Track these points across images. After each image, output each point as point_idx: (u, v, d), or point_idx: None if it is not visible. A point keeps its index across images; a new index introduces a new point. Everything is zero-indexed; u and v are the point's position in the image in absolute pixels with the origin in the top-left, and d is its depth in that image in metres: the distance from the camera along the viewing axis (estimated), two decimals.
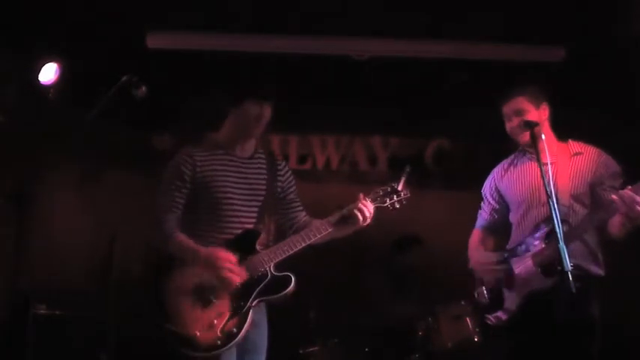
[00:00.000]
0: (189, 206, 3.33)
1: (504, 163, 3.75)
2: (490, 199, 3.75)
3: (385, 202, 3.39)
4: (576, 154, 3.51)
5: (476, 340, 4.63)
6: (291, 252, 3.32)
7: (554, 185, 3.31)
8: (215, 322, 3.16)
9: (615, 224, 3.30)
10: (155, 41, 5.04)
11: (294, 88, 5.47)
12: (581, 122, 4.24)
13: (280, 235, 3.49)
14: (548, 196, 3.02)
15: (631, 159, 3.52)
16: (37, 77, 4.81)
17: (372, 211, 3.33)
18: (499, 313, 3.48)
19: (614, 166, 3.52)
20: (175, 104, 5.56)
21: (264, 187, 3.42)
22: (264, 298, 3.28)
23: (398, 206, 3.41)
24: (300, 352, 4.94)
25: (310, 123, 5.86)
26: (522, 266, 3.41)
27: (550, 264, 3.27)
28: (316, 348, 4.93)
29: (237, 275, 3.20)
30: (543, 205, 3.41)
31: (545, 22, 4.80)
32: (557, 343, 3.30)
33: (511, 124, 3.54)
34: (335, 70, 5.38)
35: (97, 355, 4.40)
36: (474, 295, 3.64)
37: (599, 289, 3.38)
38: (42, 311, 4.74)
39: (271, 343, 5.19)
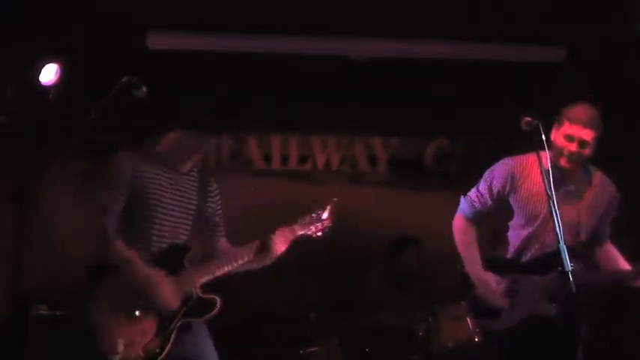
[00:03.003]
0: (123, 212, 3.28)
1: (522, 166, 3.55)
2: (495, 195, 3.58)
3: (310, 229, 3.47)
4: (599, 190, 3.50)
5: (476, 340, 4.63)
6: (218, 274, 3.30)
7: (575, 220, 3.37)
8: (138, 339, 3.10)
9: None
10: (155, 41, 5.04)
11: (294, 88, 5.48)
12: None
13: (207, 252, 3.46)
14: (548, 197, 3.00)
15: (631, 159, 3.53)
16: (38, 78, 4.81)
17: (281, 248, 3.36)
18: (494, 324, 3.48)
19: (617, 198, 3.56)
20: (175, 104, 5.56)
21: (195, 204, 3.40)
22: (189, 319, 3.21)
23: (320, 234, 3.49)
24: (300, 352, 4.94)
25: (310, 123, 5.86)
26: (531, 288, 3.41)
27: (557, 291, 3.28)
28: (316, 348, 4.93)
29: (172, 301, 3.17)
30: (554, 230, 3.36)
31: (545, 22, 4.81)
32: (545, 350, 3.33)
33: (569, 148, 3.38)
34: (335, 70, 5.38)
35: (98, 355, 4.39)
36: (471, 297, 3.62)
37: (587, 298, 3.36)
38: (42, 312, 4.74)
39: (272, 343, 5.22)
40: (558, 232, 2.90)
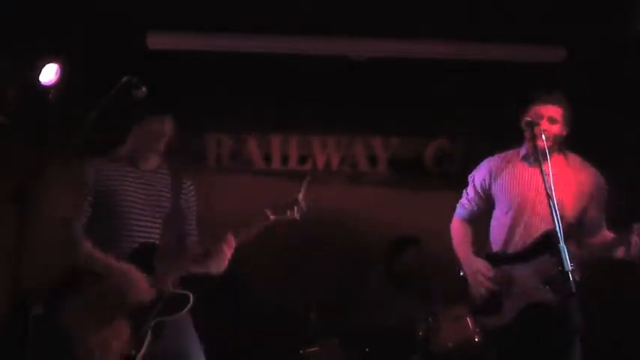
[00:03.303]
0: (92, 216, 3.32)
1: (501, 158, 3.73)
2: (479, 190, 3.74)
3: (286, 213, 3.40)
4: (573, 169, 3.54)
5: (476, 340, 4.63)
6: (191, 271, 3.31)
7: (558, 199, 3.33)
8: (113, 342, 3.11)
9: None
10: (155, 41, 5.04)
11: (294, 88, 5.48)
12: (581, 122, 4.24)
13: (181, 250, 3.46)
14: (549, 197, 3.01)
15: (631, 159, 3.53)
16: (38, 78, 4.81)
17: (228, 255, 3.30)
18: (495, 319, 3.48)
19: (604, 184, 3.58)
20: (175, 105, 5.56)
21: (168, 201, 3.41)
22: (163, 317, 3.22)
23: (298, 217, 3.42)
24: (300, 352, 4.94)
25: (310, 123, 5.86)
26: (524, 276, 3.42)
27: (549, 274, 3.30)
28: (316, 348, 4.93)
29: (147, 295, 3.18)
30: (538, 215, 3.45)
31: (545, 22, 4.80)
32: (541, 352, 3.33)
33: (537, 131, 3.43)
34: (335, 70, 5.38)
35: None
36: (470, 297, 3.64)
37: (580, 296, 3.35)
38: (42, 312, 4.73)
39: (271, 343, 5.22)
40: (558, 231, 2.92)
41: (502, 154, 3.74)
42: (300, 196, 3.41)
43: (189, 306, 3.25)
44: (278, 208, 3.40)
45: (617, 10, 4.57)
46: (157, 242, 3.32)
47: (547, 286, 3.34)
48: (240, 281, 4.95)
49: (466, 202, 3.79)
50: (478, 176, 3.76)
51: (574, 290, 2.84)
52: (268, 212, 3.37)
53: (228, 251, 3.29)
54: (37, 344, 4.64)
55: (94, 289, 3.17)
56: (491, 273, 3.52)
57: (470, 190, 3.78)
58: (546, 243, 3.33)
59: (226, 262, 3.31)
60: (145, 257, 3.27)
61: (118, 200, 3.30)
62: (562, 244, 2.89)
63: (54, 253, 5.39)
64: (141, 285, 3.18)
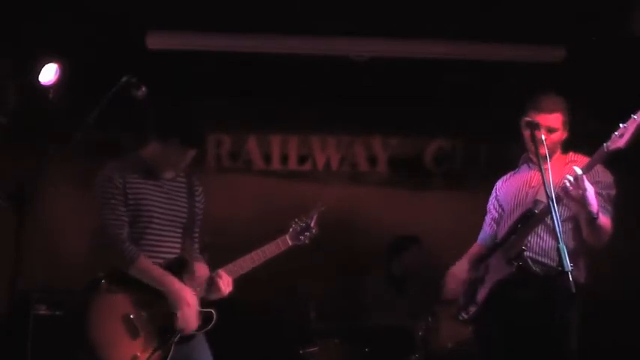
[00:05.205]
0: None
1: (507, 175, 3.76)
2: (492, 210, 3.76)
3: (301, 239, 3.59)
4: (570, 161, 3.51)
5: None
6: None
7: (539, 189, 3.36)
8: (139, 354, 3.14)
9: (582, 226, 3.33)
10: (155, 41, 5.04)
11: (294, 88, 5.48)
12: (581, 122, 4.25)
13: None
14: (549, 197, 3.01)
15: (630, 159, 3.51)
16: (37, 78, 4.81)
17: (229, 285, 3.39)
18: (470, 307, 3.51)
19: (605, 176, 3.47)
20: (175, 105, 5.57)
21: (185, 208, 3.43)
22: (188, 333, 3.27)
23: (307, 242, 3.62)
24: (300, 352, 4.94)
25: (310, 123, 5.86)
26: (495, 261, 3.48)
27: (514, 254, 3.35)
28: (316, 348, 4.93)
29: (192, 324, 3.24)
30: (527, 205, 3.45)
31: (545, 22, 4.81)
32: (531, 343, 3.33)
33: (538, 134, 3.35)
34: (335, 70, 5.38)
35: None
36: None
37: (579, 294, 3.35)
38: (42, 312, 4.74)
39: (271, 343, 5.22)
40: (558, 232, 2.91)
41: (509, 173, 3.75)
42: (312, 224, 3.59)
43: (213, 323, 3.31)
44: (295, 234, 3.55)
45: (617, 10, 4.58)
46: (186, 257, 3.35)
47: (505, 265, 3.38)
48: (239, 281, 4.95)
49: (486, 225, 3.80)
50: (490, 200, 3.78)
51: (574, 290, 2.84)
52: (288, 239, 3.52)
53: (226, 289, 3.36)
54: (37, 344, 4.64)
55: (122, 302, 3.20)
56: (464, 275, 3.60)
57: (487, 215, 3.79)
58: (515, 227, 3.41)
59: (222, 295, 3.37)
60: (177, 272, 3.30)
61: (139, 210, 3.29)
62: (562, 244, 2.88)
63: (54, 253, 5.41)
64: (192, 313, 3.22)
